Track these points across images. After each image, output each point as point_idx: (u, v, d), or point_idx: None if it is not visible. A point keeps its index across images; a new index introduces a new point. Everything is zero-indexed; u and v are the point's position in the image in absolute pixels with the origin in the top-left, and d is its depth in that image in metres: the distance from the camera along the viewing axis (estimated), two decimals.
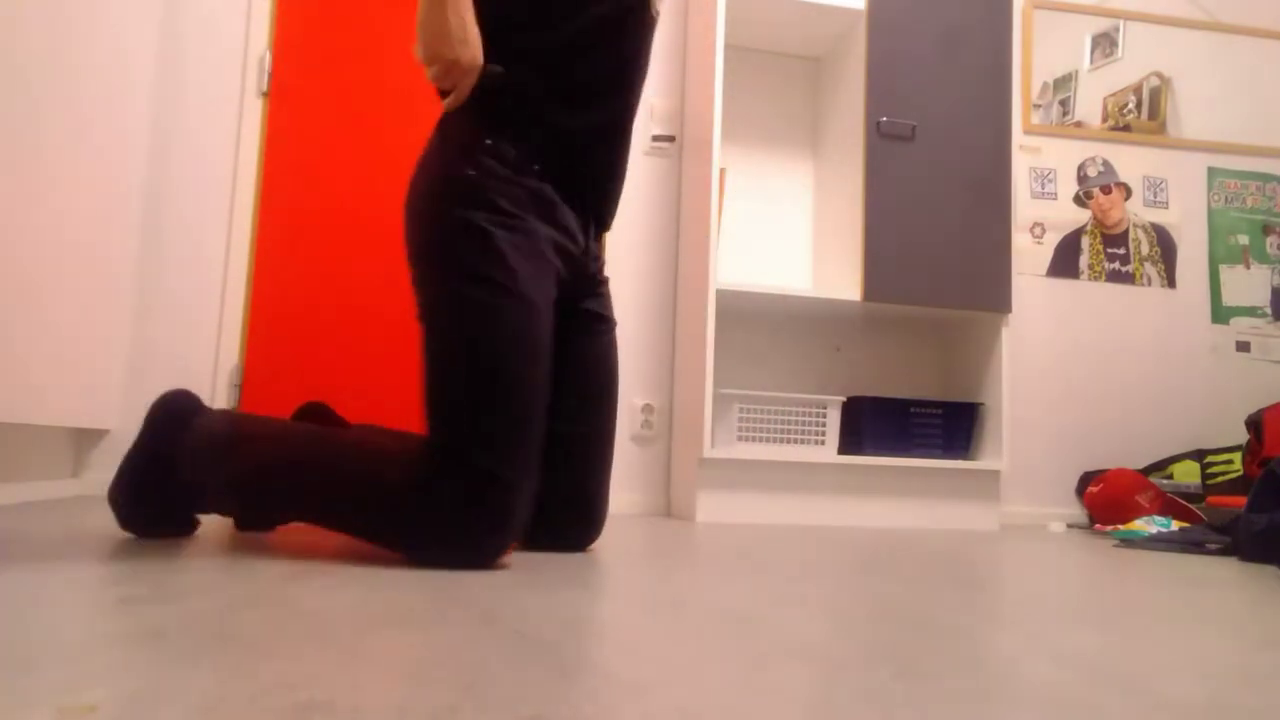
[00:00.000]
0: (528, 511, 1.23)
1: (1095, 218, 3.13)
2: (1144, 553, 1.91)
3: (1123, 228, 3.15)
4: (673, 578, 1.14)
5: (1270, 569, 1.61)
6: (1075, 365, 3.07)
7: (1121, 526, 2.51)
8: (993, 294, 2.56)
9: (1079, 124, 3.15)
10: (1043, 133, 3.12)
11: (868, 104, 2.53)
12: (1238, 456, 2.83)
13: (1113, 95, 3.19)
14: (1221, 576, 1.47)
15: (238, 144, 2.57)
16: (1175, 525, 2.40)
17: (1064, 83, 3.16)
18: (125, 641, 0.63)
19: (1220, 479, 2.84)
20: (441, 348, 1.29)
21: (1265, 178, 3.27)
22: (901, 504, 2.49)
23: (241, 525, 1.41)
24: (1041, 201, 3.07)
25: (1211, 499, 2.66)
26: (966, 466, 2.53)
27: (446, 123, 1.41)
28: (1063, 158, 3.12)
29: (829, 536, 1.98)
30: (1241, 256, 3.23)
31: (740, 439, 2.42)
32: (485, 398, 1.23)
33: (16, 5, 1.77)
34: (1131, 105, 3.20)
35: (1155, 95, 3.21)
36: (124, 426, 2.40)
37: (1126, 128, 3.18)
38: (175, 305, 2.51)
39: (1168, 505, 2.64)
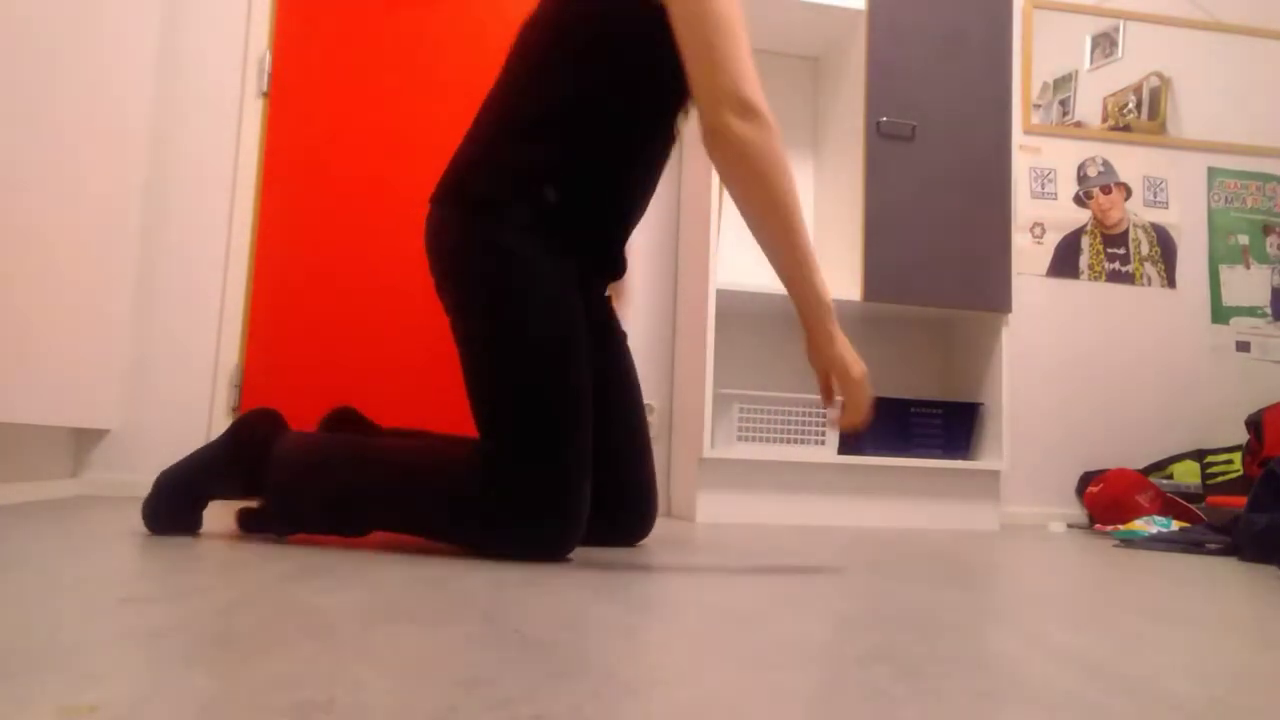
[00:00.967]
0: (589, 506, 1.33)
1: (1095, 218, 3.13)
2: (1144, 553, 1.91)
3: (1123, 228, 3.15)
4: (673, 578, 1.14)
5: (1270, 569, 1.61)
6: (1075, 365, 3.07)
7: (1121, 526, 2.51)
8: (993, 294, 2.56)
9: (1079, 124, 3.15)
10: (1043, 133, 3.12)
11: (868, 104, 2.53)
12: (1238, 456, 2.83)
13: (1113, 95, 3.19)
14: (1221, 576, 1.47)
15: (238, 144, 2.57)
16: (1175, 525, 2.40)
17: (1064, 83, 3.16)
18: (125, 641, 0.63)
19: (1220, 479, 2.84)
20: (483, 362, 1.35)
21: (1265, 178, 3.28)
22: (901, 504, 2.50)
23: (244, 526, 1.41)
24: (1041, 201, 3.07)
25: (1211, 499, 2.65)
26: (966, 466, 2.53)
27: (482, 180, 1.42)
28: (1063, 158, 3.12)
29: (829, 536, 1.98)
30: (1241, 256, 3.23)
31: (740, 439, 2.42)
32: (534, 404, 1.30)
33: (16, 5, 1.77)
34: (1131, 105, 3.20)
35: (1155, 95, 3.21)
36: (124, 426, 2.40)
37: (1126, 128, 3.18)
38: (175, 305, 2.51)
39: (1168, 505, 2.64)
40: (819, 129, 2.88)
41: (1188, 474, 2.91)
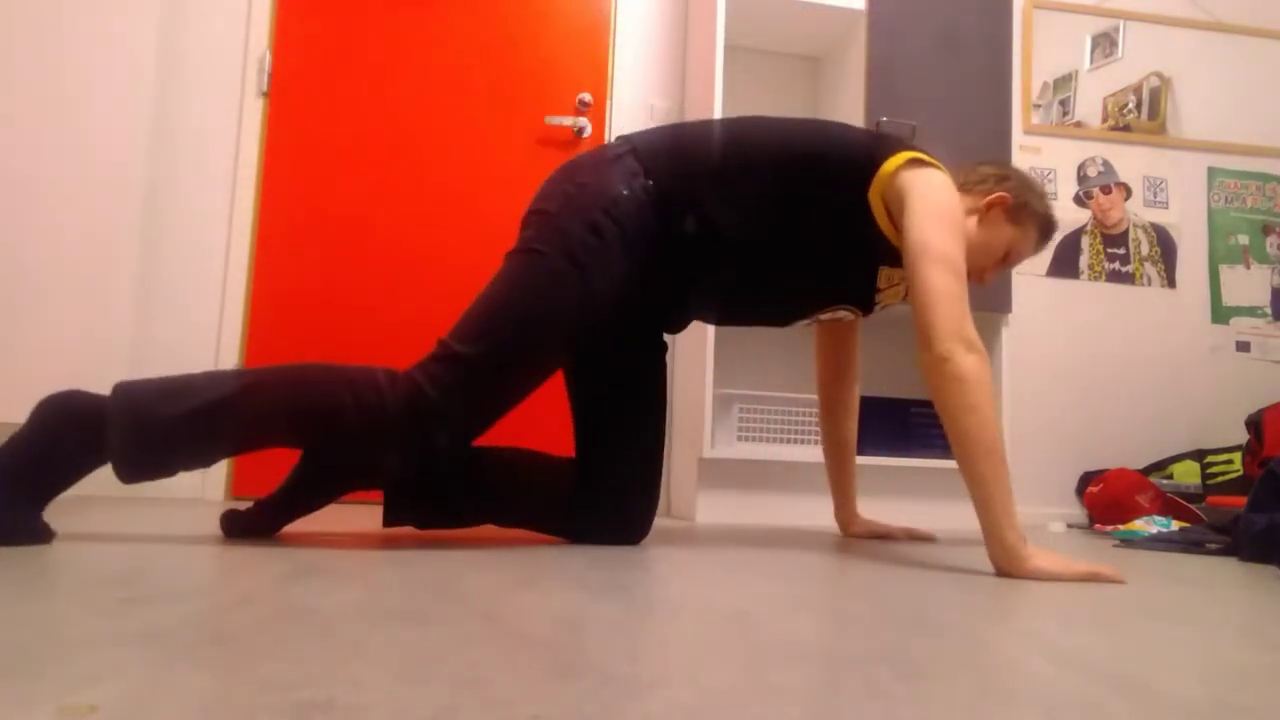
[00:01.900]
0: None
1: (1095, 218, 3.13)
2: (1144, 553, 1.91)
3: (1123, 228, 3.15)
4: (673, 578, 1.14)
5: (1270, 569, 1.61)
6: (1075, 365, 3.07)
7: (1121, 526, 2.51)
8: (993, 294, 2.56)
9: (1079, 124, 3.15)
10: (1043, 133, 3.12)
11: (868, 104, 2.52)
12: (1238, 456, 2.83)
13: (1113, 95, 3.19)
14: (1221, 576, 1.47)
15: (238, 144, 2.57)
16: (1175, 525, 2.40)
17: (1064, 83, 3.16)
18: (125, 641, 0.63)
19: (1220, 479, 2.84)
20: (497, 283, 1.44)
21: (1265, 178, 3.28)
22: (901, 504, 2.49)
23: (230, 532, 1.40)
24: None
25: (1211, 499, 2.65)
26: None
27: (628, 153, 1.51)
28: (1063, 158, 3.12)
29: (829, 537, 1.98)
30: (1241, 256, 3.23)
31: (740, 439, 2.42)
32: (500, 340, 1.38)
33: (17, 6, 1.77)
34: (1131, 105, 3.20)
35: (1155, 95, 3.21)
36: None
37: (1126, 128, 3.18)
38: (175, 305, 2.51)
39: (1168, 505, 2.64)
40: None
41: (1188, 474, 2.91)
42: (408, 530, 1.51)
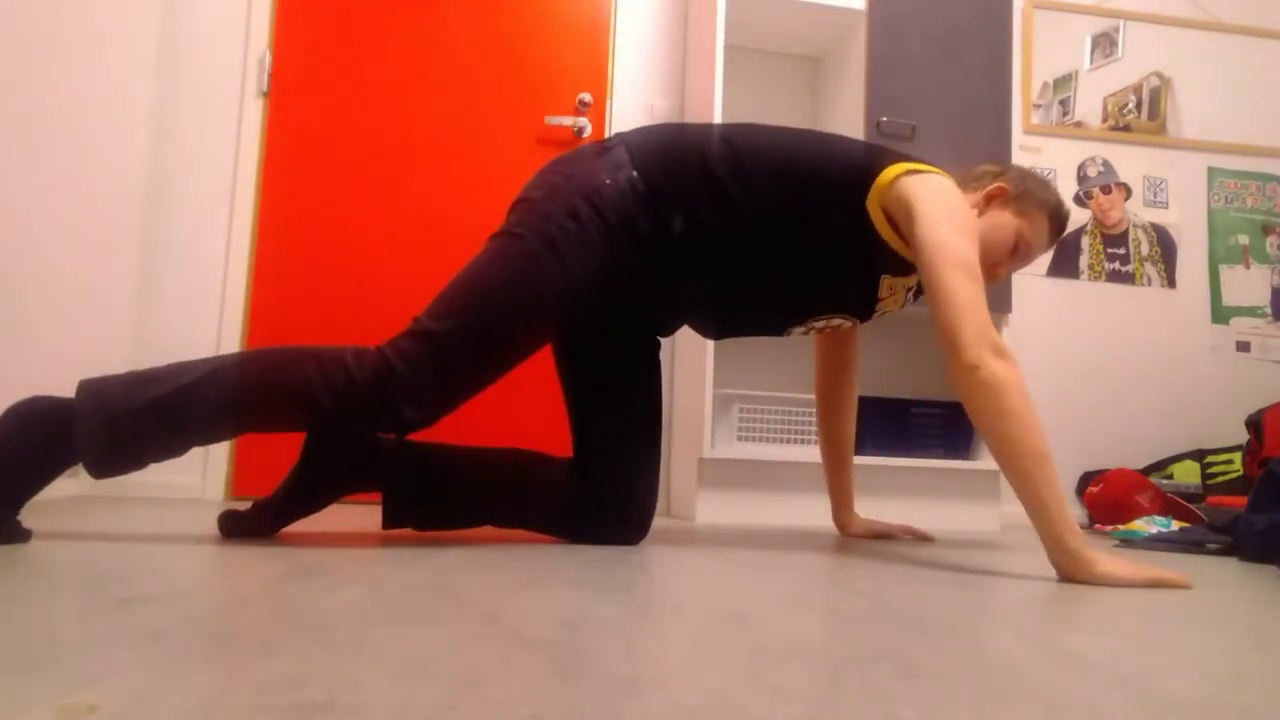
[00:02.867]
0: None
1: (1095, 218, 3.13)
2: (1144, 553, 1.91)
3: (1123, 228, 3.15)
4: (673, 578, 1.14)
5: (1270, 569, 1.61)
6: (1075, 365, 3.07)
7: (1121, 526, 2.51)
8: (993, 294, 2.54)
9: (1079, 124, 3.15)
10: (1043, 133, 3.12)
11: (868, 104, 2.52)
12: (1238, 456, 2.83)
13: (1113, 95, 3.19)
14: (1221, 576, 1.47)
15: (238, 144, 2.57)
16: (1175, 525, 2.40)
17: (1064, 83, 3.16)
18: (125, 641, 0.63)
19: (1220, 479, 2.84)
20: (474, 264, 1.44)
21: (1265, 178, 3.28)
22: (902, 504, 2.49)
23: (228, 533, 1.40)
24: None
25: (1211, 499, 2.65)
26: (967, 467, 2.53)
27: (616, 149, 1.51)
28: (1063, 158, 3.12)
29: (829, 537, 1.98)
30: (1241, 256, 3.23)
31: (740, 439, 2.42)
32: (470, 317, 1.38)
33: (17, 5, 1.77)
34: (1131, 105, 3.20)
35: (1155, 95, 3.21)
36: None
37: (1126, 128, 3.18)
38: (175, 305, 2.51)
39: (1168, 505, 2.64)
40: (819, 129, 2.88)
41: (1188, 474, 2.91)
42: (408, 530, 1.51)
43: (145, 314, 2.48)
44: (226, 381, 1.31)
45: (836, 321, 1.65)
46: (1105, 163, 3.15)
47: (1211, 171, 3.23)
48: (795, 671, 0.63)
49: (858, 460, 2.44)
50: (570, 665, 0.62)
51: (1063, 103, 3.15)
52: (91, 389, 1.27)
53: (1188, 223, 3.20)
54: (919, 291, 1.62)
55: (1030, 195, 1.58)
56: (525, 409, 2.60)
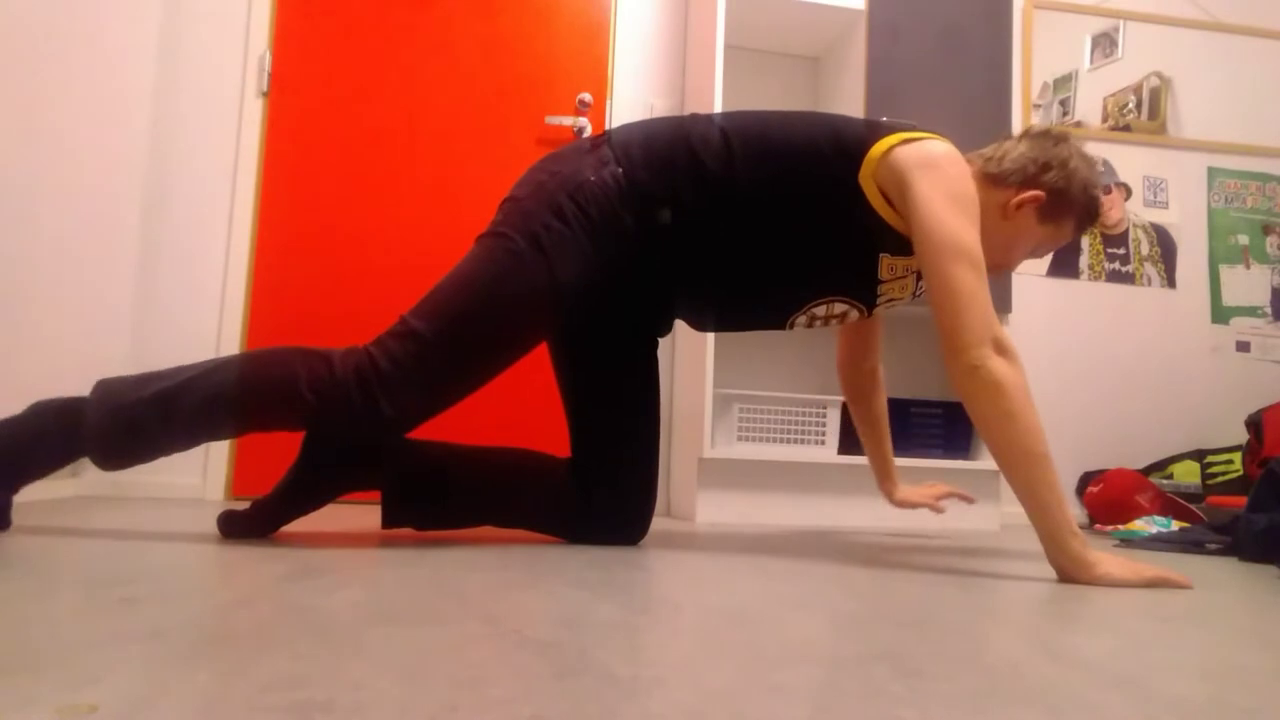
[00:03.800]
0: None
1: None
2: (1144, 553, 1.91)
3: (1123, 228, 3.15)
4: (673, 578, 1.14)
5: (1270, 569, 1.61)
6: (1075, 365, 3.07)
7: (1121, 526, 2.51)
8: (993, 294, 2.55)
9: (1079, 124, 3.15)
10: None
11: (868, 104, 2.52)
12: (1238, 456, 2.83)
13: (1113, 95, 3.19)
14: (1221, 576, 1.47)
15: (238, 144, 2.57)
16: (1175, 525, 2.40)
17: (1064, 83, 3.16)
18: (125, 641, 0.63)
19: (1220, 479, 2.83)
20: (465, 265, 1.43)
21: (1265, 178, 3.28)
22: None
23: (227, 533, 1.40)
24: None
25: (1211, 499, 2.65)
26: (967, 467, 2.53)
27: (604, 147, 1.50)
28: None
29: (829, 536, 1.98)
30: (1241, 256, 3.23)
31: (740, 439, 2.42)
32: (455, 316, 1.37)
33: (17, 5, 1.77)
34: (1131, 105, 3.20)
35: (1155, 95, 3.21)
36: None
37: (1126, 128, 3.18)
38: (175, 304, 2.51)
39: (1168, 505, 2.64)
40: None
41: (1188, 474, 2.91)
42: (408, 530, 1.51)
43: (145, 314, 2.48)
44: (222, 376, 1.34)
45: (840, 309, 1.57)
46: (1105, 163, 3.15)
47: (1211, 171, 3.23)
48: (795, 671, 0.63)
49: (858, 460, 2.44)
50: (570, 665, 0.62)
51: (1063, 103, 3.15)
52: (104, 385, 1.35)
53: (1188, 223, 3.20)
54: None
55: (1067, 203, 1.46)
56: (524, 409, 2.60)
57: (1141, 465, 2.98)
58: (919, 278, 1.54)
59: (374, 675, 0.56)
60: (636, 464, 1.55)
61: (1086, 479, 2.92)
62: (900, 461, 2.47)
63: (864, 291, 1.53)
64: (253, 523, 1.40)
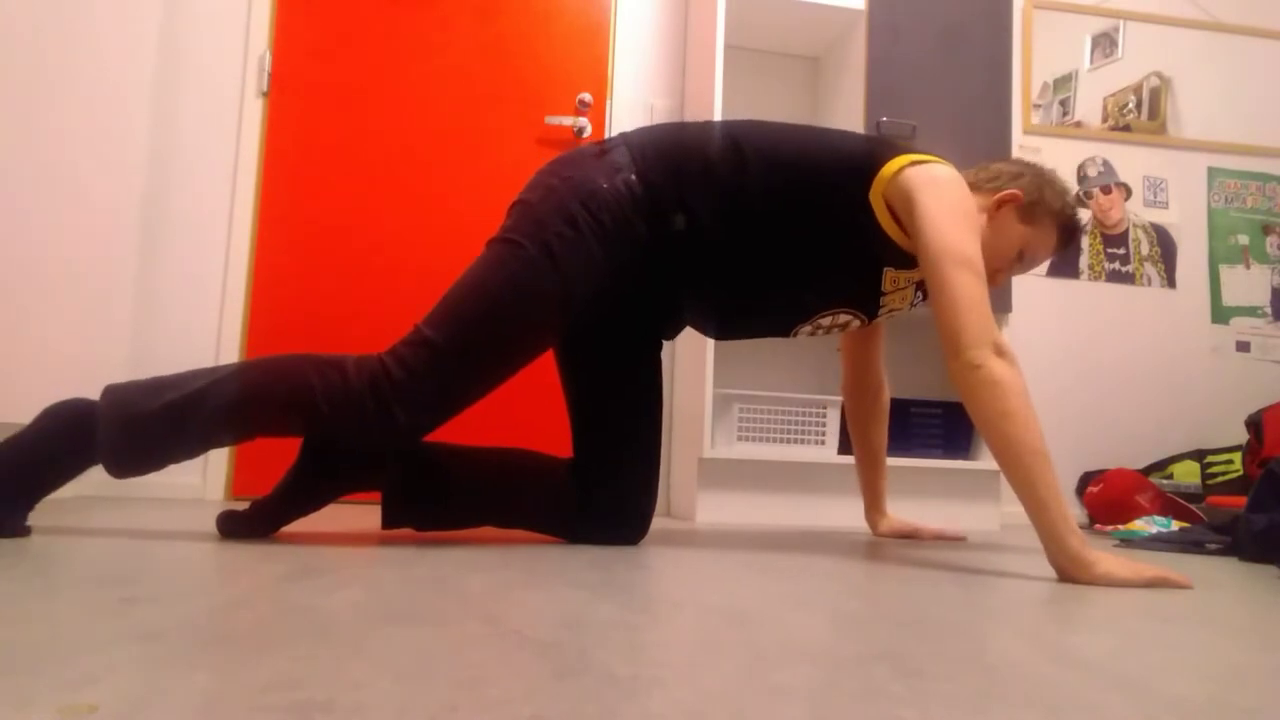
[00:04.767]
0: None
1: (1095, 218, 3.13)
2: (1144, 553, 1.91)
3: (1123, 228, 3.15)
4: (673, 578, 1.14)
5: (1270, 569, 1.61)
6: (1075, 365, 3.07)
7: (1121, 526, 2.51)
8: (993, 294, 2.55)
9: (1079, 124, 3.15)
10: (1043, 133, 3.12)
11: (868, 104, 2.53)
12: (1238, 456, 2.83)
13: (1113, 95, 3.19)
14: (1221, 576, 1.47)
15: (238, 144, 2.57)
16: (1175, 525, 2.40)
17: (1064, 83, 3.16)
18: (125, 641, 0.63)
19: (1220, 479, 2.83)
20: (477, 272, 1.43)
21: (1265, 178, 3.28)
22: (902, 504, 2.49)
23: (226, 533, 1.40)
24: None
25: (1211, 499, 2.65)
26: (967, 466, 2.53)
27: (618, 151, 1.50)
28: (1063, 158, 3.12)
29: (829, 537, 1.98)
30: (1241, 256, 3.23)
31: (740, 439, 2.42)
32: (468, 325, 1.38)
33: (17, 6, 1.77)
34: (1131, 105, 3.20)
35: (1155, 95, 3.21)
36: None
37: (1126, 128, 3.18)
38: (175, 305, 2.51)
39: (1168, 505, 2.64)
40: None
41: (1188, 474, 2.91)
42: (408, 530, 1.51)
43: (145, 314, 2.48)
44: (234, 385, 1.34)
45: (844, 319, 1.63)
46: (1105, 163, 3.15)
47: (1211, 171, 3.23)
48: (795, 671, 0.63)
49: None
50: (570, 665, 0.62)
51: (1063, 103, 3.15)
52: (114, 393, 1.34)
53: (1188, 223, 3.20)
54: (926, 293, 1.62)
55: (1044, 204, 1.56)
56: (525, 409, 2.60)
57: (1141, 465, 2.98)
58: (917, 289, 1.60)
59: (374, 675, 0.56)
60: (637, 464, 1.55)
61: (1086, 479, 2.92)
62: (900, 461, 2.48)
63: (867, 302, 1.59)
64: (253, 523, 1.41)
